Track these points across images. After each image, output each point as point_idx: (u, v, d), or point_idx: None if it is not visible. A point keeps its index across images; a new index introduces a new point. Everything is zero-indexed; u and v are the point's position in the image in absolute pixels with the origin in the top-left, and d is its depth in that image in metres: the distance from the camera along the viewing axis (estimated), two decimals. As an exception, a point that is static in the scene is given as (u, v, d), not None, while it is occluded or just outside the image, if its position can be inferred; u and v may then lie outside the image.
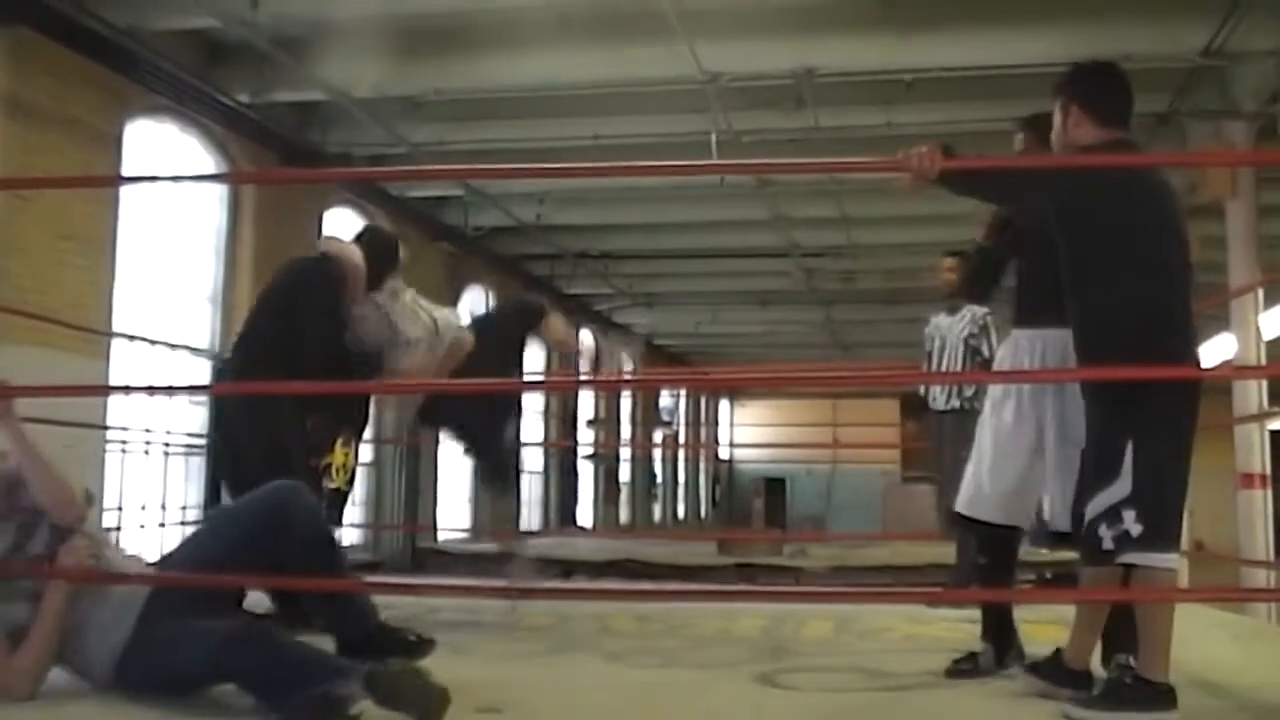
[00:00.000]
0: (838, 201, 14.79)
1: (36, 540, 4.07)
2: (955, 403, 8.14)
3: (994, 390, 4.69)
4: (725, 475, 35.77)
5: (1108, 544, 3.95)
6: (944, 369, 8.32)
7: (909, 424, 29.85)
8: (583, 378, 23.54)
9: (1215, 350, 14.09)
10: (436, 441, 15.90)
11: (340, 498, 6.97)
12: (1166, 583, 4.02)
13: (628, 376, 25.81)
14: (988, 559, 4.68)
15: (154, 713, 3.73)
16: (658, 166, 11.89)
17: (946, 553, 12.21)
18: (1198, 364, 4.14)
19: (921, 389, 8.50)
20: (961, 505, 4.66)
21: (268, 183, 12.97)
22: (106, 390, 10.19)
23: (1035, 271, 4.56)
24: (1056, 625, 5.77)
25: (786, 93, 11.22)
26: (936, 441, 8.30)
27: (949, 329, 8.31)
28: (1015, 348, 4.65)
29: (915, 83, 10.94)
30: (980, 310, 8.27)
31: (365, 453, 8.53)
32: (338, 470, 6.92)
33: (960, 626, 5.52)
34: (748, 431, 36.15)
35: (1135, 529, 3.90)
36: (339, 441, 7.05)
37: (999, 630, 4.65)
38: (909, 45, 10.37)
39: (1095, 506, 4.01)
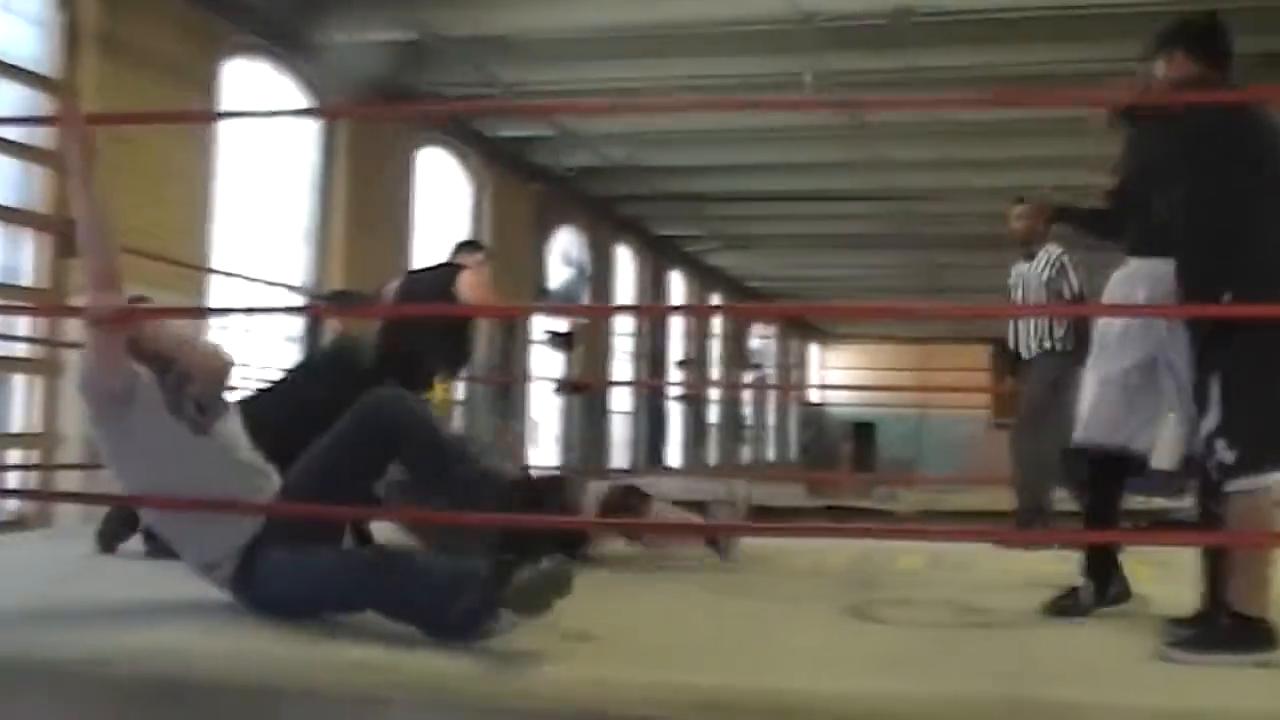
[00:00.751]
0: (935, 143, 14.57)
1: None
2: (1048, 344, 7.99)
3: (1104, 321, 4.61)
4: (815, 419, 35.62)
5: (1215, 475, 3.97)
6: (1027, 320, 8.23)
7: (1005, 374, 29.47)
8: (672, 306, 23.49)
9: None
10: (528, 379, 16.07)
11: None
12: (1262, 506, 3.96)
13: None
14: (1095, 495, 4.60)
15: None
16: (776, 101, 11.74)
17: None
18: None
19: (1011, 341, 8.34)
20: (1076, 437, 4.59)
21: (360, 116, 13.01)
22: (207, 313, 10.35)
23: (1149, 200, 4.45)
24: (1155, 564, 5.72)
25: (883, 33, 11.05)
26: (1028, 384, 8.19)
27: (1029, 274, 8.19)
28: (1131, 278, 4.55)
29: (1016, 20, 10.73)
30: (1056, 251, 8.14)
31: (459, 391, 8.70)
32: (435, 407, 7.36)
33: (1055, 561, 5.46)
34: (837, 375, 35.94)
35: (1228, 456, 3.91)
36: (438, 379, 7.42)
37: (1100, 565, 4.59)
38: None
39: (1196, 442, 4.03)
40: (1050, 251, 8.14)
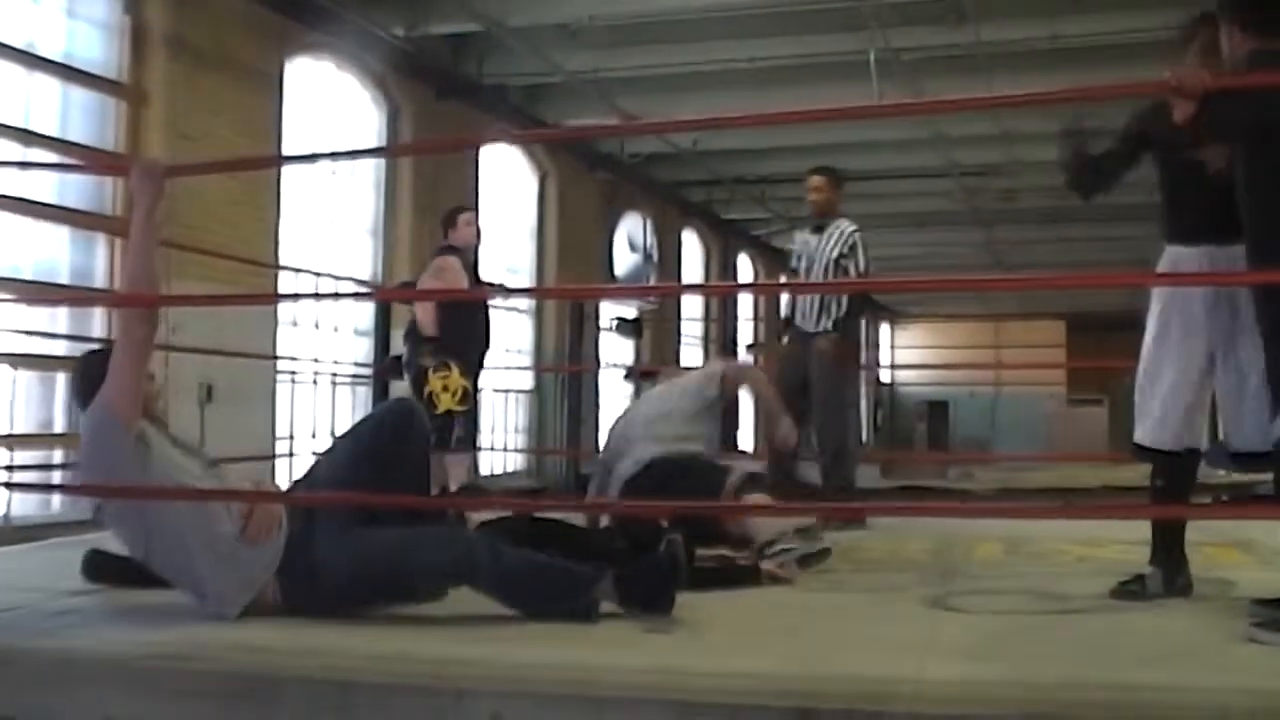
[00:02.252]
0: (997, 118, 14.41)
1: None
2: (826, 324, 7.80)
3: (1157, 311, 4.50)
4: (887, 399, 35.48)
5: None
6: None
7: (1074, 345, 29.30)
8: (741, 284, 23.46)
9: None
10: (598, 367, 16.07)
11: (451, 419, 7.63)
12: None
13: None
14: (1164, 482, 4.53)
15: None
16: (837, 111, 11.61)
17: (1116, 475, 11.99)
18: None
19: (787, 309, 8.16)
20: (1139, 436, 4.51)
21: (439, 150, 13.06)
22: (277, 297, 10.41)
23: (1198, 185, 4.34)
24: (1237, 548, 5.62)
25: (947, 7, 10.94)
26: (801, 364, 7.89)
27: (817, 248, 7.96)
28: (1176, 267, 4.45)
29: (1082, -8, 10.59)
30: (849, 228, 7.99)
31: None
32: (438, 395, 7.63)
33: (1134, 549, 5.37)
34: (909, 354, 35.78)
35: None
36: (439, 369, 7.67)
37: (1169, 553, 4.52)
38: (1075, -47, 10.05)
39: (1276, 427, 3.92)
40: (842, 227, 7.98)
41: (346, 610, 3.99)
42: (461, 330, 7.82)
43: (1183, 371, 4.38)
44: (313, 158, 11.77)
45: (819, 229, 8.02)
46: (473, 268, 8.17)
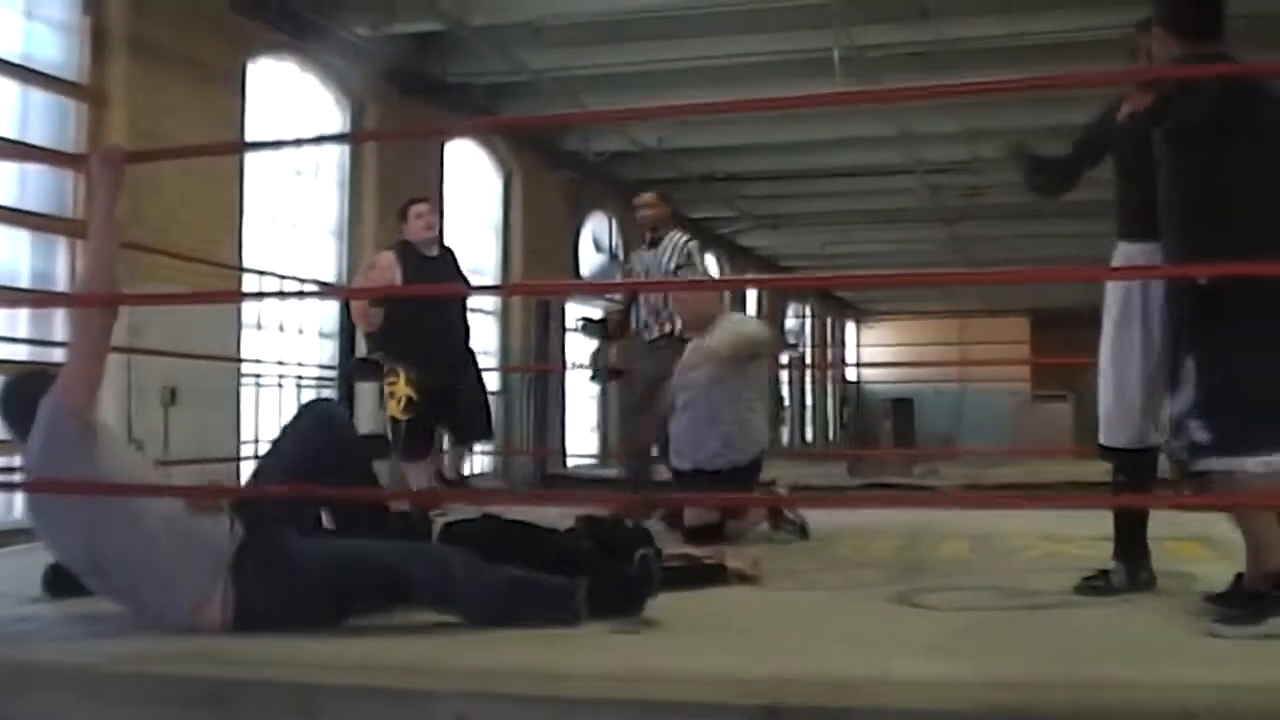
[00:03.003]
0: (961, 115, 14.45)
1: None
2: (668, 329, 7.93)
3: (1114, 312, 4.51)
4: (853, 397, 35.56)
5: (1180, 455, 4.05)
6: (649, 305, 8.06)
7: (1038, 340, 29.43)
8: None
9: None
10: (564, 367, 16.04)
11: (396, 425, 7.68)
12: (1261, 486, 3.92)
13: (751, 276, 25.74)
14: (1126, 478, 4.56)
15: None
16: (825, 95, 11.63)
17: (1081, 471, 12.05)
18: None
19: (634, 321, 8.26)
20: (1103, 437, 4.54)
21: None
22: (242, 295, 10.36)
23: (1145, 182, 4.36)
24: (1199, 542, 5.66)
25: (911, 5, 10.96)
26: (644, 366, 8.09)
27: (653, 263, 8.10)
28: (1128, 262, 4.49)
29: (1045, -11, 10.63)
30: (682, 238, 8.15)
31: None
32: (388, 402, 7.73)
33: (1099, 545, 5.40)
34: (875, 352, 35.88)
35: (1202, 437, 3.95)
36: (388, 374, 7.69)
37: (1131, 548, 4.55)
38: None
39: (1169, 421, 4.13)
40: (675, 239, 8.12)
41: (307, 619, 3.90)
42: (405, 331, 7.63)
43: (1142, 368, 4.41)
44: (276, 144, 11.64)
45: (654, 244, 8.16)
46: (421, 262, 7.80)
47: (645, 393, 7.94)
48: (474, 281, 13.87)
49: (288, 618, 3.87)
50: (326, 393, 11.67)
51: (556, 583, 4.03)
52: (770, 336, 8.23)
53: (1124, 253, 4.52)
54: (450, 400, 7.75)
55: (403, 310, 7.65)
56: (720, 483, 6.50)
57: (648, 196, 8.36)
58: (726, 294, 7.92)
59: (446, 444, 8.31)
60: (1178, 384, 4.07)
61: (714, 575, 4.93)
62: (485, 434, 8.20)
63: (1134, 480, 4.53)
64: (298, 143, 11.75)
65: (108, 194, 4.17)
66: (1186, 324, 4.09)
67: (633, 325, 8.25)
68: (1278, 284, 3.83)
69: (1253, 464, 3.93)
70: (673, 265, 7.97)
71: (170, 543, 3.86)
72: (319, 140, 13.12)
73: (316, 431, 4.34)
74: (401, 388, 7.58)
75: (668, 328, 7.92)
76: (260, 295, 10.57)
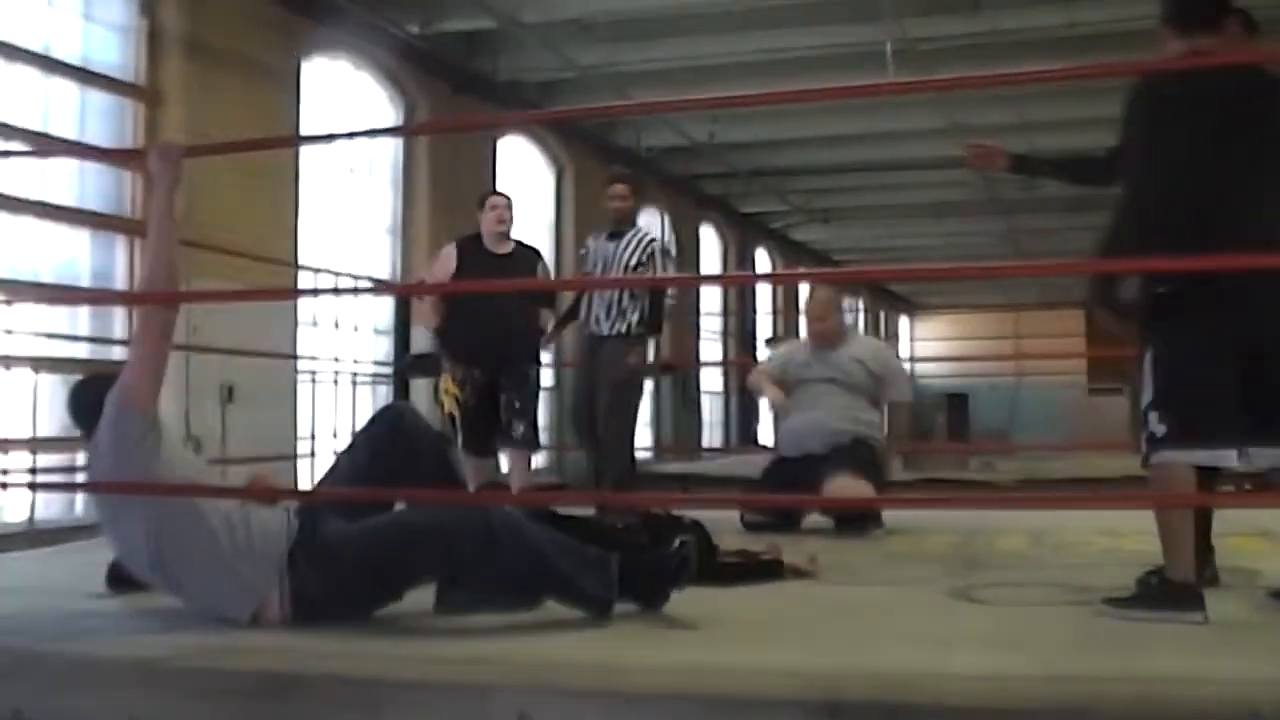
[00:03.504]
0: (1017, 107, 14.35)
1: None
2: (620, 328, 7.62)
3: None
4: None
5: (1143, 447, 4.05)
6: (603, 297, 7.76)
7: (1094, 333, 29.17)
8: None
9: None
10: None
11: (450, 421, 7.65)
12: (1182, 478, 3.98)
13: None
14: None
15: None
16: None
17: (1137, 465, 11.93)
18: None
19: (583, 313, 7.88)
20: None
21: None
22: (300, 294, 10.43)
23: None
24: (1262, 537, 5.60)
25: (963, -4, 10.92)
26: (588, 364, 7.83)
27: (614, 254, 7.80)
28: None
29: (1099, -22, 10.54)
30: (648, 236, 7.97)
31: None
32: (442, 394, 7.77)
33: (1158, 540, 5.36)
34: (928, 346, 35.70)
35: (1159, 429, 3.98)
36: (448, 373, 7.68)
37: (1196, 545, 4.48)
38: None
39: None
40: (640, 235, 7.93)
41: (359, 603, 3.94)
42: (456, 327, 7.64)
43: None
44: (330, 138, 11.65)
45: (616, 235, 7.90)
46: (484, 258, 7.69)
47: (614, 391, 7.66)
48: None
49: (343, 601, 3.90)
50: (381, 389, 11.75)
51: (594, 551, 4.00)
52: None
53: None
54: (496, 402, 7.69)
55: (455, 305, 7.62)
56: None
57: (621, 188, 8.11)
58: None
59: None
60: (1143, 379, 4.12)
61: (770, 570, 4.93)
62: (523, 441, 7.84)
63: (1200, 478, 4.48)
64: (350, 135, 11.87)
65: (167, 189, 4.19)
66: (1143, 320, 4.15)
67: (581, 314, 7.91)
68: (1228, 281, 3.85)
69: (1202, 457, 3.99)
70: (633, 261, 7.74)
71: (230, 541, 3.87)
72: (371, 134, 13.19)
73: (389, 433, 4.31)
74: (449, 383, 7.64)
75: (623, 325, 7.64)
76: (315, 292, 10.66)
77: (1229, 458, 3.99)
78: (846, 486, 6.46)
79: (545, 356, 8.48)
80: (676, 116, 15.75)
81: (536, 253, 8.09)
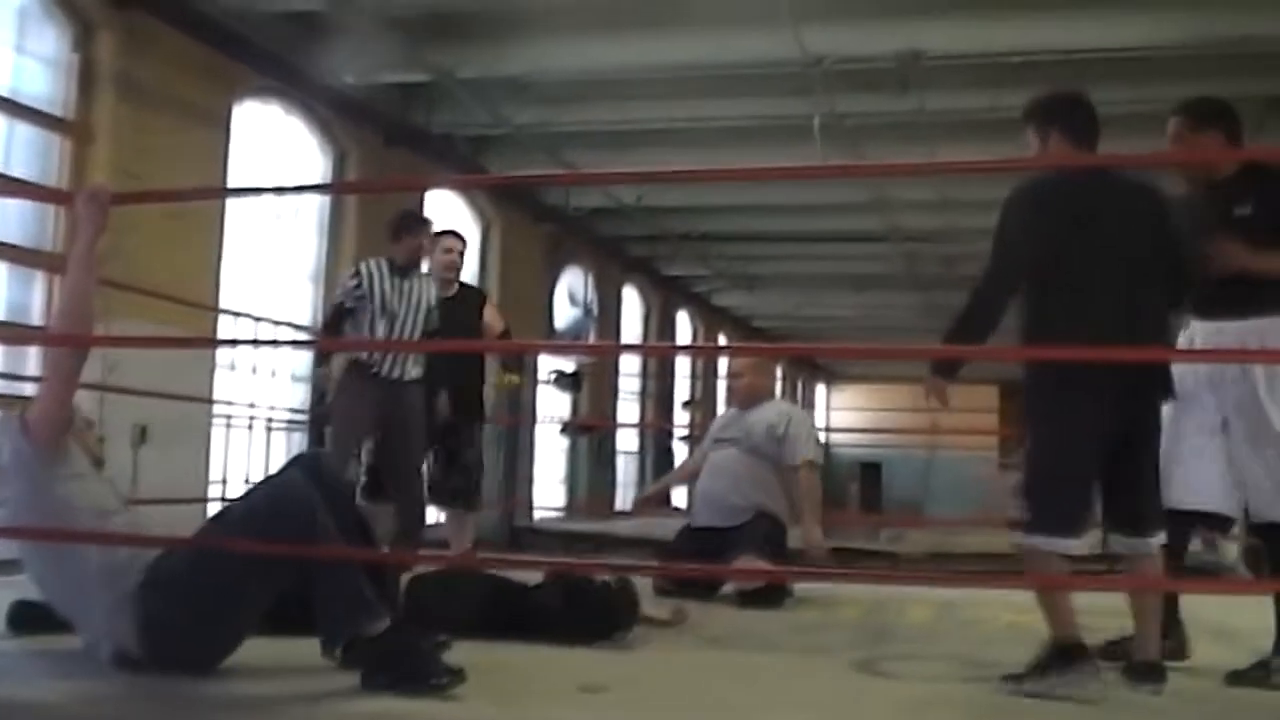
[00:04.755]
0: (938, 185, 14.61)
1: None
2: (415, 373, 7.20)
3: (1189, 384, 4.56)
4: (821, 459, 35.62)
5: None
6: (404, 335, 7.20)
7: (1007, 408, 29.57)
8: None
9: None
10: (534, 420, 16.04)
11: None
12: (1054, 564, 4.22)
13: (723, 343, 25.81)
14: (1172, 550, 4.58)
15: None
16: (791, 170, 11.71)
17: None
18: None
19: (369, 355, 7.23)
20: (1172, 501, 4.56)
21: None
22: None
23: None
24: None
25: (891, 75, 11.09)
26: (376, 410, 7.12)
27: (412, 293, 7.23)
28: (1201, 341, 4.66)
29: (1023, 64, 10.75)
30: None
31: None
32: None
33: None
34: (845, 416, 35.98)
35: (1025, 515, 4.29)
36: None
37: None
38: (1017, 26, 10.23)
39: None
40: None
41: (209, 629, 3.83)
42: None
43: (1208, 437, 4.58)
44: (258, 191, 11.66)
45: (406, 274, 7.28)
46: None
47: (364, 431, 7.22)
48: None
49: (192, 628, 3.81)
50: (296, 436, 11.67)
51: (371, 602, 3.78)
52: None
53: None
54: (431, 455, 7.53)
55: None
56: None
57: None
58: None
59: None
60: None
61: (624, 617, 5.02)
62: (463, 501, 7.66)
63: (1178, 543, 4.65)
64: (280, 190, 11.77)
65: (91, 233, 4.16)
66: (1025, 407, 4.46)
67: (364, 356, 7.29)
68: (1077, 373, 4.11)
69: (1041, 542, 4.21)
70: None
71: (91, 575, 3.86)
72: (301, 190, 13.13)
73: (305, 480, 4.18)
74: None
75: (417, 371, 7.23)
76: (235, 342, 10.57)
77: (1075, 547, 4.19)
78: (748, 565, 6.51)
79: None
80: (605, 178, 15.87)
81: (481, 294, 7.99)
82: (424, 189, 13.18)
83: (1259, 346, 4.42)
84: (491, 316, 7.99)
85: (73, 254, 4.20)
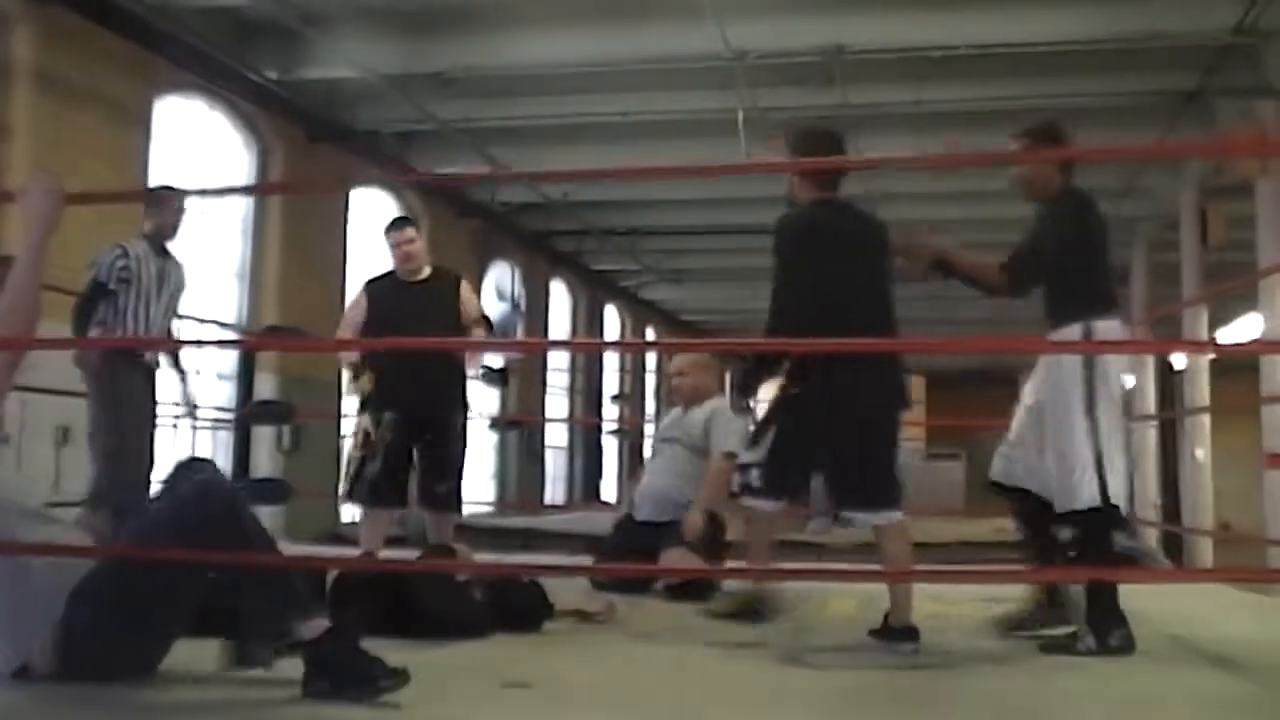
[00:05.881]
0: (865, 180, 14.71)
1: None
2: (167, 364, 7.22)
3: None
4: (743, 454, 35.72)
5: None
6: (160, 321, 7.17)
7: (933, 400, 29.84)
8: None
9: (1243, 329, 13.95)
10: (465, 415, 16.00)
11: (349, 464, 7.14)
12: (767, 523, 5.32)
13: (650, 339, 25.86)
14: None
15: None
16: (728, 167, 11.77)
17: (970, 530, 12.25)
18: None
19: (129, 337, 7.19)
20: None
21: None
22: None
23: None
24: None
25: (815, 70, 11.20)
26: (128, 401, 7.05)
27: (169, 277, 7.23)
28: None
29: (944, 59, 10.89)
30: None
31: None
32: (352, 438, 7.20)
33: (988, 607, 5.53)
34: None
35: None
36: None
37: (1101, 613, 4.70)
38: (938, 21, 10.37)
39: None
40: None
41: (127, 637, 3.71)
42: (376, 368, 7.05)
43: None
44: (183, 194, 11.49)
45: (163, 254, 7.24)
46: (396, 290, 7.25)
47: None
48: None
49: (124, 636, 3.70)
50: (223, 435, 11.59)
51: (302, 597, 3.71)
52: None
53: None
54: (409, 449, 7.13)
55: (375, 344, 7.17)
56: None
57: (411, 233, 7.44)
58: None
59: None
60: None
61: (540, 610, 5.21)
62: (444, 503, 7.24)
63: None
64: (203, 193, 11.64)
65: (42, 230, 3.98)
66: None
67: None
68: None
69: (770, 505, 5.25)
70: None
71: (25, 582, 3.71)
72: (231, 191, 12.96)
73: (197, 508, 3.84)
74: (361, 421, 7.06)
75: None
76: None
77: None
78: (678, 560, 6.56)
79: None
80: (531, 173, 15.86)
81: (456, 274, 7.57)
82: (347, 189, 13.16)
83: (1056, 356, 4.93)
84: (468, 297, 7.50)
85: (21, 252, 3.96)
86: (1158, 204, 15.60)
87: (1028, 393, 5.07)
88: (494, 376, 8.26)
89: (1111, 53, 10.73)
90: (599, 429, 23.02)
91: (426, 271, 7.38)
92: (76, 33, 9.45)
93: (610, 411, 24.11)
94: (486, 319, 7.55)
